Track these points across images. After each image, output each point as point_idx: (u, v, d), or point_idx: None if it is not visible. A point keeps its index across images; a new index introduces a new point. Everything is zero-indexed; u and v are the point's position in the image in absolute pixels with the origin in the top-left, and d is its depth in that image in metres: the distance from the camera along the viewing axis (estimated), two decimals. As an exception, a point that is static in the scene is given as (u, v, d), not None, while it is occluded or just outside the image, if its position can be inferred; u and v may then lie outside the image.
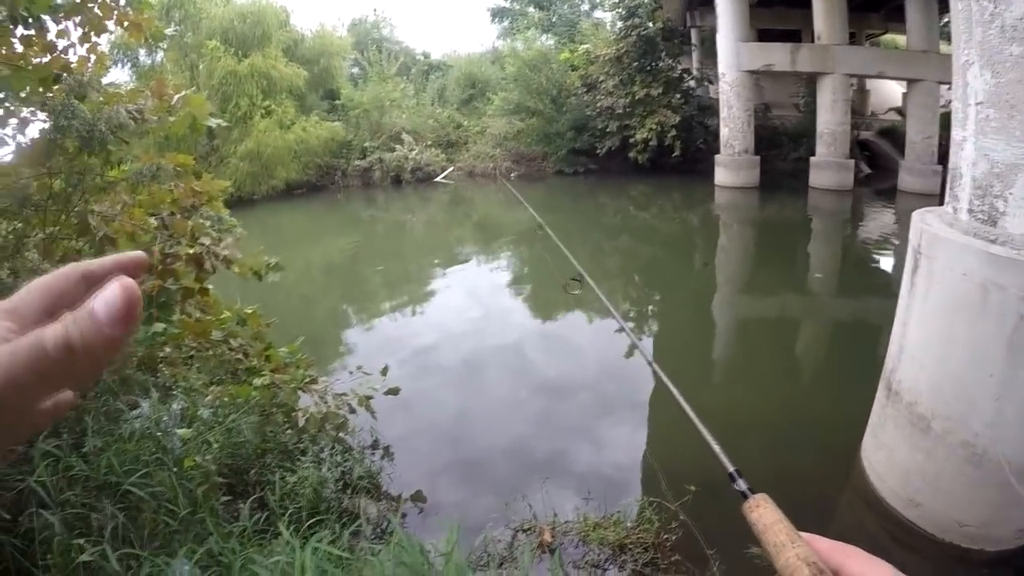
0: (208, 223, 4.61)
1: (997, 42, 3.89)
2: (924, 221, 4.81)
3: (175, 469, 3.64)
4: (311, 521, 3.93)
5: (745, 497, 0.79)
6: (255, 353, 5.06)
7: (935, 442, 4.57)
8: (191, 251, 4.30)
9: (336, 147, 22.53)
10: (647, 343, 9.68)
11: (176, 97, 4.10)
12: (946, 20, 22.89)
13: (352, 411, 5.30)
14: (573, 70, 25.51)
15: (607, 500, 5.10)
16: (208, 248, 4.38)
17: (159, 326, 4.20)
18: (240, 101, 19.67)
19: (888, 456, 5.19)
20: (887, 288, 12.03)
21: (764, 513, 0.74)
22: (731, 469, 0.94)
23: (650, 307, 11.57)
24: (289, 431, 4.93)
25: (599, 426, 6.78)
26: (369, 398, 5.45)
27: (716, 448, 1.03)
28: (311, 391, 5.29)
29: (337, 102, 24.12)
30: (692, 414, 1.15)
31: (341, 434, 5.19)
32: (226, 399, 4.61)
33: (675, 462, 5.83)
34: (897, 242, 15.48)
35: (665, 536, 4.61)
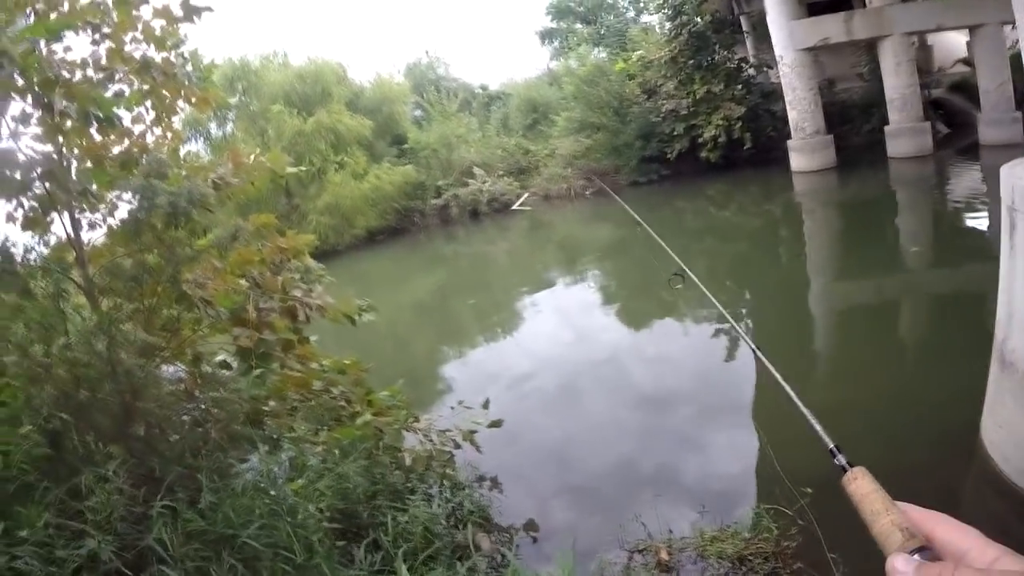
0: (297, 276, 4.78)
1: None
2: (1015, 174, 4.55)
3: (289, 519, 3.71)
4: (424, 557, 3.98)
5: (844, 471, 0.82)
6: (357, 399, 5.19)
7: (1055, 412, 4.30)
8: (284, 304, 4.47)
9: (411, 189, 23.09)
10: (744, 345, 9.43)
11: (252, 157, 4.32)
12: (1002, -41, 21.75)
13: (457, 447, 5.36)
14: (630, 79, 25.40)
15: (722, 511, 5.01)
16: (300, 299, 4.55)
17: (258, 371, 4.35)
18: (312, 158, 20.46)
19: (1010, 433, 4.89)
20: (986, 252, 11.44)
21: (861, 484, 0.77)
22: (831, 445, 0.97)
23: (743, 306, 11.31)
24: (397, 472, 4.99)
25: (705, 435, 6.67)
26: (473, 432, 5.50)
27: (815, 424, 1.06)
28: (415, 430, 5.38)
29: (405, 146, 24.76)
30: (792, 393, 1.17)
31: (448, 470, 5.23)
32: (332, 445, 4.71)
33: (788, 464, 5.66)
34: (988, 201, 14.76)
35: (785, 544, 4.46)
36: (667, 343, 9.62)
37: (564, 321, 11.18)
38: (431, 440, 5.32)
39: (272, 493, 3.88)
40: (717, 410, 7.24)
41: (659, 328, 10.27)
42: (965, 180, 18.24)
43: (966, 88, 22.81)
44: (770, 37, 21.17)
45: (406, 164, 23.60)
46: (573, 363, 9.05)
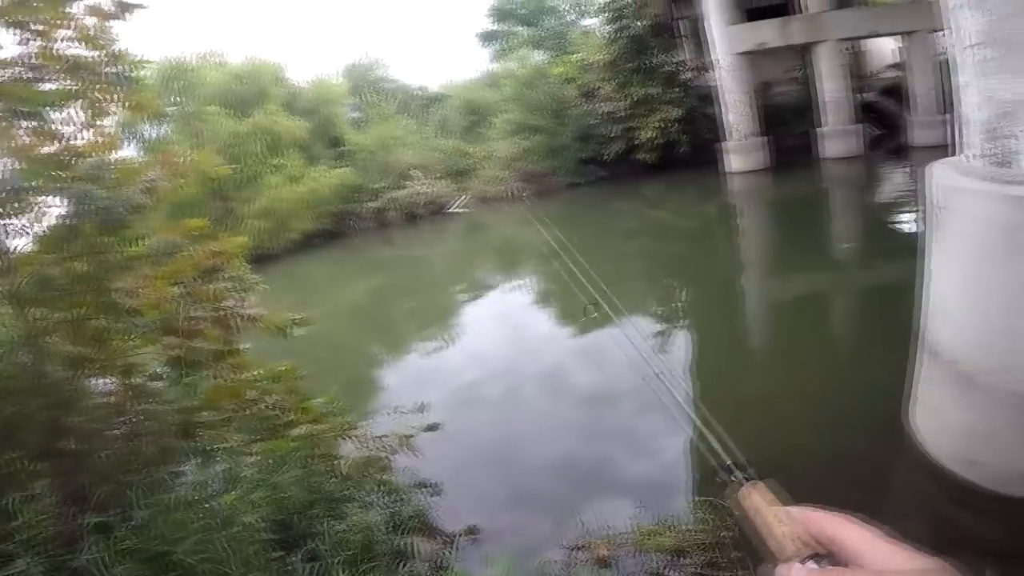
0: (230, 285, 4.66)
1: (984, -21, 3.86)
2: (938, 173, 4.75)
3: (224, 532, 3.61)
4: (365, 566, 3.93)
5: (740, 487, 0.83)
6: (291, 407, 5.08)
7: (983, 397, 4.47)
8: (216, 313, 4.35)
9: (347, 192, 22.69)
10: (682, 337, 9.65)
11: (183, 159, 4.20)
12: (932, -31, 22.65)
13: (394, 452, 5.29)
14: (569, 82, 25.57)
15: (660, 506, 5.08)
16: (231, 309, 4.43)
17: (188, 379, 4.24)
18: (248, 160, 19.93)
19: (937, 419, 5.10)
20: (914, 248, 11.84)
21: (756, 499, 0.77)
22: (727, 462, 0.97)
23: (680, 303, 11.51)
24: (333, 480, 4.92)
25: (642, 432, 6.72)
26: (409, 437, 5.43)
27: (713, 441, 1.09)
28: (351, 437, 5.29)
29: (343, 148, 24.35)
30: (690, 412, 1.20)
31: (385, 476, 5.18)
32: (266, 455, 4.63)
33: (719, 455, 5.79)
34: (917, 199, 15.29)
35: (723, 534, 4.51)
36: (604, 346, 9.60)
37: (503, 324, 11.15)
38: (367, 447, 5.24)
39: (206, 506, 3.80)
40: (654, 407, 7.25)
41: (596, 333, 10.32)
42: (895, 180, 18.94)
43: (897, 92, 23.62)
44: (708, 41, 21.56)
45: (343, 167, 23.20)
46: (512, 365, 9.05)
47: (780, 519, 0.71)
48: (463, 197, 23.89)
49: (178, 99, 20.53)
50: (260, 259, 17.30)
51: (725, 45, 20.61)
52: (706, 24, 21.19)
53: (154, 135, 20.45)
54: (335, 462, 4.97)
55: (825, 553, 0.67)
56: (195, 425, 4.40)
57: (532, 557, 4.49)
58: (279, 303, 4.94)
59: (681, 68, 24.51)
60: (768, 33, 20.60)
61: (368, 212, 22.64)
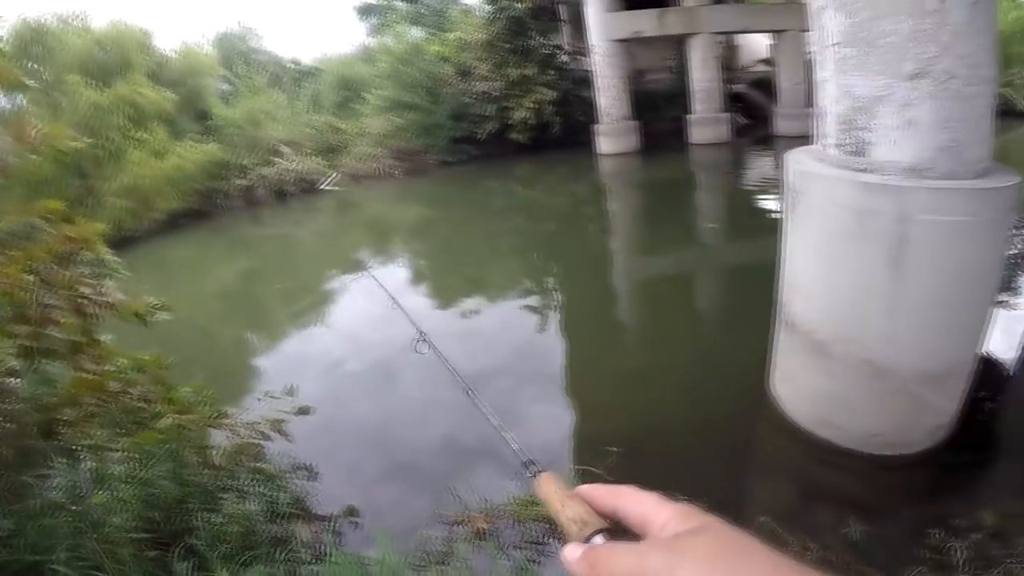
0: (88, 269, 4.38)
1: (848, -16, 4.14)
2: (797, 160, 5.10)
3: (95, 534, 3.45)
4: (244, 557, 3.84)
5: (535, 478, 0.86)
6: (157, 398, 4.84)
7: (837, 364, 4.87)
8: (72, 300, 4.08)
9: (214, 169, 21.29)
10: (552, 315, 9.80)
11: (35, 132, 3.90)
12: (808, -26, 24.00)
13: (266, 438, 5.13)
14: (446, 60, 25.38)
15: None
16: (88, 296, 4.16)
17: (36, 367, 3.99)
18: (109, 134, 18.41)
19: (796, 386, 5.52)
20: (774, 228, 12.57)
21: (545, 488, 0.80)
22: (524, 458, 1.01)
23: (552, 281, 11.66)
24: (206, 471, 4.71)
25: (518, 406, 6.83)
26: (280, 422, 5.26)
27: (509, 440, 1.13)
28: (221, 426, 5.09)
29: (210, 122, 22.86)
30: (486, 410, 1.26)
31: (259, 464, 4.98)
32: (134, 450, 4.36)
33: (595, 427, 6.05)
34: (778, 184, 16.19)
35: None
36: (478, 319, 9.74)
37: (375, 303, 10.91)
38: (238, 434, 5.06)
39: (75, 509, 3.62)
40: (529, 381, 7.44)
41: (470, 305, 10.38)
42: (759, 166, 20.09)
43: (765, 85, 25.12)
44: (586, 27, 21.95)
45: (211, 142, 21.73)
46: (387, 344, 8.80)
47: (565, 504, 0.73)
48: (334, 174, 23.19)
49: (36, 67, 18.85)
50: (123, 241, 16.20)
51: (602, 31, 21.08)
52: (585, 10, 21.59)
53: (8, 106, 18.75)
54: (207, 452, 4.75)
55: (611, 527, 0.69)
56: (57, 423, 4.12)
57: (412, 534, 4.50)
58: (142, 288, 4.65)
59: (558, 51, 24.85)
60: (645, 22, 21.22)
61: (236, 190, 21.43)
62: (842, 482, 4.98)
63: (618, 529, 0.70)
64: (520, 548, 4.50)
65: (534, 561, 4.40)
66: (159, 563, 3.85)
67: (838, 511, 4.47)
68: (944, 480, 4.88)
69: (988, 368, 5.93)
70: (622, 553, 0.62)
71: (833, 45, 4.43)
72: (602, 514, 0.70)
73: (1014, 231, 5.83)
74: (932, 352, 4.54)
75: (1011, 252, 8.39)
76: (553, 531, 4.57)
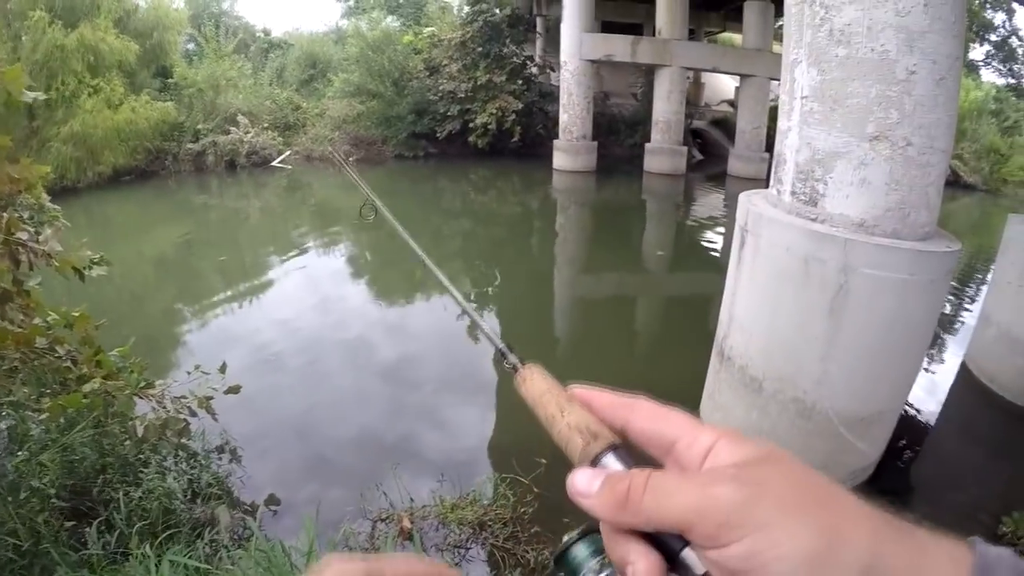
0: (27, 214, 4.23)
1: (825, 44, 4.36)
2: (750, 201, 5.30)
3: (10, 498, 3.37)
4: (163, 536, 3.75)
5: (516, 371, 0.69)
6: (84, 359, 4.69)
7: (768, 400, 5.07)
8: (7, 246, 3.90)
9: (167, 129, 20.68)
10: (487, 322, 9.75)
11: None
12: (779, 23, 24.99)
13: (193, 414, 5.01)
14: (416, 53, 25.31)
15: (462, 481, 5.20)
16: (25, 242, 3.99)
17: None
18: (67, 79, 17.56)
19: (724, 416, 5.69)
20: (716, 264, 13.01)
21: (533, 385, 0.65)
22: (500, 345, 0.78)
23: (491, 288, 11.67)
24: (128, 442, 4.58)
25: (446, 409, 6.86)
26: (209, 399, 5.11)
27: (483, 326, 0.90)
28: (147, 396, 4.94)
29: (170, 80, 22.12)
30: (447, 282, 0.91)
31: (183, 440, 4.88)
32: (57, 412, 4.22)
33: (523, 437, 6.05)
34: (726, 222, 16.72)
35: (523, 509, 4.75)
36: (415, 318, 9.72)
37: (312, 288, 10.76)
38: (165, 408, 4.93)
39: None
40: (458, 385, 7.46)
41: (407, 303, 10.33)
42: (709, 201, 20.64)
43: (726, 125, 26.03)
44: (560, 42, 22.16)
45: (167, 101, 21.04)
46: (319, 332, 8.84)
47: (564, 409, 0.59)
48: (288, 152, 22.85)
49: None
50: (63, 191, 15.62)
51: (576, 49, 21.31)
52: (562, 26, 21.82)
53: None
54: (130, 423, 4.48)
55: (621, 443, 0.55)
56: (-26, 374, 3.95)
57: (334, 527, 4.43)
58: (78, 242, 4.50)
59: (529, 62, 25.06)
60: (618, 47, 21.58)
61: (187, 154, 20.82)
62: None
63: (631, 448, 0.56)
64: (444, 550, 4.50)
65: (457, 564, 4.40)
66: (75, 535, 3.78)
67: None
68: (858, 522, 5.11)
69: (911, 420, 6.29)
70: (672, 484, 0.46)
71: (801, 98, 4.65)
72: (608, 425, 0.56)
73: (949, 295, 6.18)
74: (860, 398, 4.78)
75: (944, 313, 8.87)
76: (477, 538, 4.59)
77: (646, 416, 0.55)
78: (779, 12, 22.80)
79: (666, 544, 0.47)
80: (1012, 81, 30.35)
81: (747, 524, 0.41)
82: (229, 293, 10.58)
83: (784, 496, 0.42)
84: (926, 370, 7.64)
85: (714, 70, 22.99)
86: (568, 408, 0.59)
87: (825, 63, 4.39)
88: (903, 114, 4.15)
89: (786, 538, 0.40)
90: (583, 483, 0.52)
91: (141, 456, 4.64)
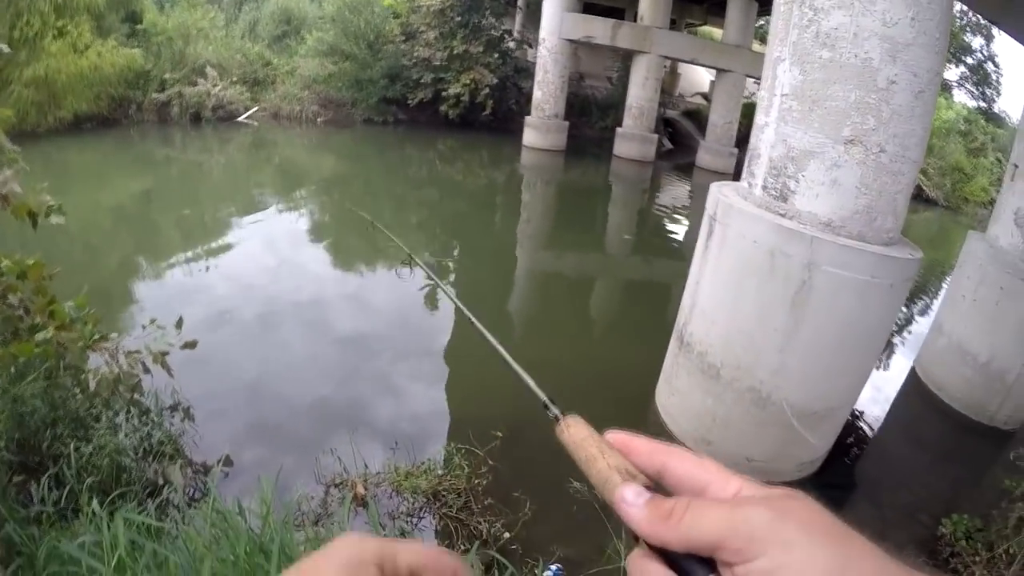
0: None
1: (810, 45, 4.45)
2: (721, 192, 5.41)
3: None
4: (114, 495, 3.66)
5: (557, 421, 0.75)
6: (36, 309, 4.56)
7: (724, 388, 5.22)
8: None
9: (133, 78, 19.89)
10: (447, 291, 9.78)
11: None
12: (761, 22, 25.26)
13: (147, 370, 4.91)
14: (395, 17, 24.94)
15: (416, 450, 5.22)
16: None
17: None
18: (32, 19, 16.90)
19: (681, 400, 5.85)
20: (677, 252, 13.21)
21: (575, 432, 0.71)
22: (543, 398, 0.86)
23: (451, 260, 11.72)
24: (79, 396, 4.49)
25: (401, 378, 6.85)
26: (165, 354, 5.03)
27: (528, 379, 0.94)
28: (101, 350, 4.81)
29: (139, 26, 21.15)
30: (505, 353, 1.11)
31: (136, 396, 4.81)
32: (7, 362, 4.10)
33: (480, 410, 6.15)
34: (689, 212, 16.90)
35: (476, 481, 4.81)
36: (373, 286, 9.70)
37: (271, 250, 10.61)
38: (118, 362, 4.80)
39: None
40: (415, 355, 7.46)
41: (367, 270, 10.25)
42: (674, 191, 20.88)
43: (698, 117, 26.35)
44: (540, 19, 22.07)
45: (135, 47, 20.00)
46: (275, 295, 8.73)
47: (604, 451, 0.64)
48: (255, 108, 22.40)
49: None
50: (21, 135, 15.06)
51: (555, 27, 21.23)
52: (544, 3, 21.74)
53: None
54: (83, 376, 4.44)
55: (653, 486, 0.58)
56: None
57: (289, 492, 4.34)
58: (38, 186, 4.35)
59: (507, 36, 24.90)
60: (599, 29, 21.51)
61: (152, 103, 20.25)
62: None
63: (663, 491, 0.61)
64: (397, 518, 4.53)
65: (408, 533, 4.43)
66: (23, 490, 3.73)
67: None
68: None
69: (858, 419, 6.51)
70: (710, 506, 0.52)
71: (781, 95, 4.74)
72: (643, 472, 0.60)
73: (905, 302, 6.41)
74: (815, 392, 4.95)
75: (896, 319, 9.14)
76: (431, 507, 4.64)
77: (682, 461, 0.59)
78: (761, 11, 23.04)
79: (691, 573, 0.52)
80: (983, 105, 31.44)
81: (773, 540, 0.46)
82: (187, 250, 10.34)
83: (805, 521, 0.48)
84: (876, 372, 7.89)
85: (692, 61, 23.09)
86: (608, 451, 0.63)
87: (808, 64, 4.48)
88: (880, 121, 4.27)
89: (806, 557, 0.45)
90: (631, 495, 0.56)
91: (93, 411, 4.55)
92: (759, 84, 5.05)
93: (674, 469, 0.58)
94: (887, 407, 7.44)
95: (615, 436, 0.65)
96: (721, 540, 0.48)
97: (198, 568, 2.43)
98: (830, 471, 5.62)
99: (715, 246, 5.33)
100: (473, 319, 1.38)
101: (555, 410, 0.78)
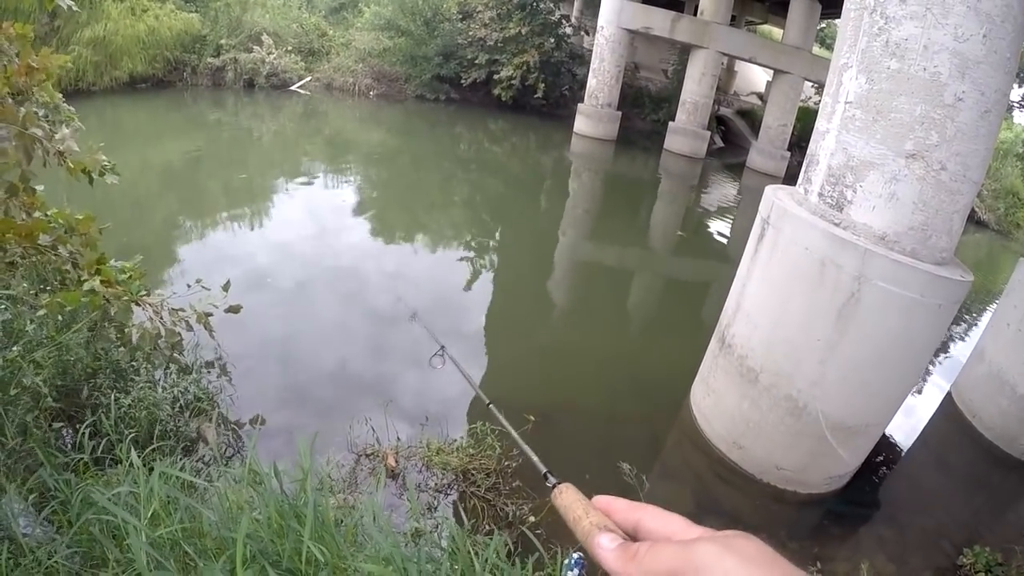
0: (42, 111, 4.15)
1: (879, 54, 4.36)
2: (776, 195, 5.34)
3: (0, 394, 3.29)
4: (150, 449, 3.67)
5: (553, 488, 0.90)
6: (85, 264, 4.43)
7: (761, 393, 5.18)
8: (21, 139, 3.80)
9: (189, 41, 20.28)
10: (485, 274, 9.84)
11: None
12: (823, 25, 24.66)
13: (189, 329, 4.78)
14: (454, -4, 25.00)
15: (448, 427, 5.27)
16: (39, 139, 3.90)
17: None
18: None
19: (716, 402, 5.81)
20: (722, 252, 13.04)
21: (566, 497, 0.84)
22: (543, 470, 1.09)
23: (494, 242, 11.74)
24: (121, 349, 4.53)
25: (435, 355, 6.84)
26: (209, 315, 5.08)
27: (531, 455, 1.22)
28: (145, 305, 4.87)
29: None
30: (511, 429, 1.39)
31: (176, 353, 4.70)
32: (54, 310, 4.09)
33: (514, 392, 6.16)
34: (737, 213, 16.70)
35: (507, 463, 4.84)
36: (411, 261, 9.73)
37: (314, 219, 10.77)
38: (161, 319, 4.85)
39: None
40: (451, 334, 7.38)
41: (407, 245, 10.33)
42: (723, 190, 20.63)
43: (751, 117, 25.91)
44: (598, 5, 21.81)
45: (192, 12, 20.58)
46: (315, 263, 8.82)
47: (588, 512, 0.75)
48: (309, 78, 22.57)
49: None
50: (78, 93, 15.37)
51: (614, 16, 20.96)
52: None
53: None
54: (127, 329, 4.40)
55: (628, 538, 0.69)
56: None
57: (319, 457, 4.41)
58: (95, 144, 4.40)
59: (564, 22, 24.70)
60: (658, 20, 21.19)
61: (206, 68, 20.54)
62: (736, 503, 5.33)
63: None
64: (425, 492, 4.58)
65: (436, 508, 4.48)
66: (62, 436, 3.80)
67: (725, 528, 4.76)
68: (828, 525, 5.29)
69: (889, 439, 6.44)
70: (666, 545, 0.62)
71: (845, 102, 4.65)
72: (622, 528, 0.71)
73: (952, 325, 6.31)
74: (851, 406, 4.89)
75: (944, 340, 8.99)
76: (459, 485, 4.68)
77: (654, 516, 0.70)
78: (825, 14, 22.57)
79: None
80: (1044, 129, 30.19)
81: (716, 569, 0.55)
82: (230, 212, 10.51)
83: (745, 555, 0.57)
84: (913, 392, 7.75)
85: (750, 60, 22.59)
86: (591, 512, 0.76)
87: (875, 73, 4.39)
88: (943, 138, 4.18)
89: None
90: (606, 541, 0.68)
91: (134, 364, 4.63)
92: (816, 88, 4.97)
93: (647, 523, 0.69)
94: (919, 429, 7.31)
95: (600, 499, 0.78)
96: (675, 571, 0.58)
97: (233, 526, 2.47)
98: (856, 488, 5.57)
99: (765, 250, 5.27)
100: (488, 400, 1.44)
101: (553, 479, 0.94)
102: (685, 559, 0.58)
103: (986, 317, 10.29)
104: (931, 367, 9.05)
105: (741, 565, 0.55)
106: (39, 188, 4.25)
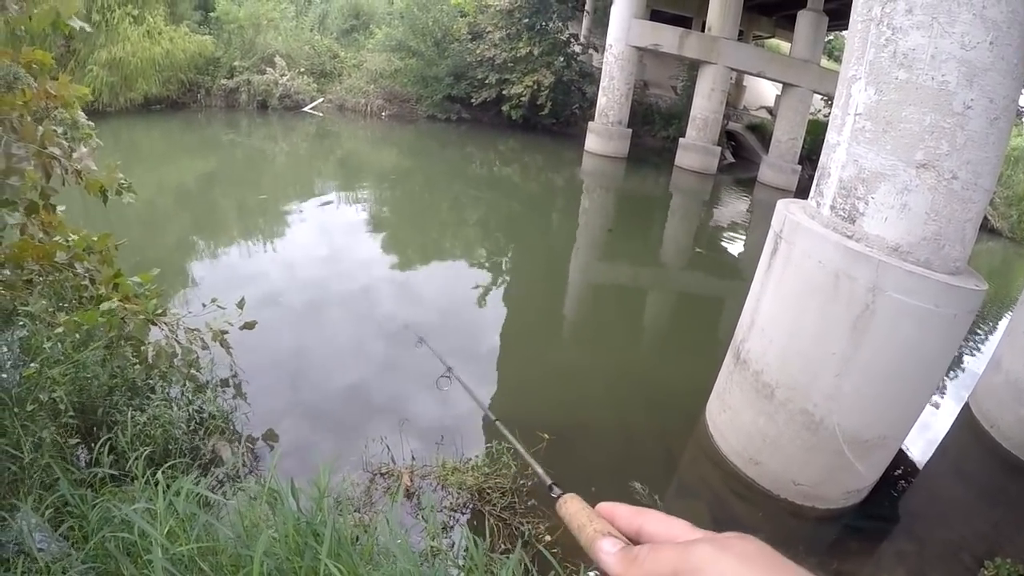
0: (61, 129, 4.17)
1: (887, 65, 4.36)
2: (788, 209, 5.32)
3: (16, 410, 3.34)
4: (166, 466, 3.59)
5: (558, 499, 0.90)
6: (103, 280, 4.60)
7: (777, 408, 5.14)
8: (40, 157, 3.81)
9: (203, 63, 20.74)
10: (497, 293, 9.80)
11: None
12: (830, 38, 24.63)
13: (205, 347, 4.90)
14: (462, 16, 25.19)
15: (463, 446, 5.25)
16: (58, 157, 3.92)
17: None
18: (111, 2, 17.62)
19: (732, 418, 5.76)
20: (735, 268, 13.00)
21: (571, 506, 0.84)
22: (549, 482, 1.12)
23: (506, 261, 11.73)
24: (137, 366, 4.55)
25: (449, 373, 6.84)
26: (224, 333, 5.04)
27: (537, 467, 1.24)
28: (161, 324, 4.78)
29: (211, 14, 21.98)
30: (516, 443, 1.41)
31: (192, 371, 4.84)
32: (71, 329, 4.20)
33: (528, 411, 6.14)
34: (749, 228, 16.65)
35: (522, 482, 4.81)
36: (423, 282, 9.73)
37: (327, 239, 10.84)
38: (177, 337, 4.78)
39: (1, 376, 3.49)
40: (463, 353, 7.41)
41: (420, 266, 10.36)
42: (734, 206, 20.57)
43: (761, 132, 25.90)
44: (607, 24, 21.98)
45: (206, 35, 20.99)
46: (327, 283, 8.87)
47: (592, 520, 0.76)
48: (321, 100, 22.87)
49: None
50: (92, 114, 15.55)
51: (623, 34, 21.12)
52: (612, 8, 21.60)
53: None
54: (143, 347, 4.52)
55: (630, 543, 0.70)
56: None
57: (334, 476, 4.27)
58: (112, 163, 4.45)
59: (573, 40, 24.85)
60: (667, 38, 21.29)
61: (220, 89, 20.98)
62: (753, 519, 5.25)
63: None
64: (440, 512, 4.56)
65: (452, 527, 4.48)
66: (77, 452, 3.81)
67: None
68: (846, 540, 5.22)
69: (906, 451, 6.37)
70: (665, 547, 0.63)
71: (855, 114, 4.65)
72: (625, 534, 0.72)
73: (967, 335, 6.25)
74: (868, 420, 4.84)
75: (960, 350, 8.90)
76: (475, 504, 4.67)
77: (656, 521, 0.70)
78: (832, 26, 22.59)
79: None
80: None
81: (713, 569, 0.55)
82: (244, 233, 10.61)
83: (743, 554, 0.57)
84: (930, 403, 7.67)
85: (759, 74, 22.64)
86: (595, 520, 0.76)
87: (884, 84, 4.39)
88: (953, 147, 4.17)
89: None
90: (608, 545, 0.69)
91: (149, 382, 4.66)
92: (826, 100, 4.98)
93: (649, 527, 0.70)
94: (937, 440, 7.21)
95: (604, 506, 0.78)
96: (674, 573, 0.58)
97: (251, 542, 2.48)
98: (875, 502, 5.49)
99: (779, 264, 5.25)
100: (494, 417, 1.47)
101: (558, 490, 0.95)
102: (683, 560, 0.58)
103: (1002, 326, 10.17)
104: (948, 377, 8.96)
105: (739, 565, 0.55)
106: (61, 208, 4.31)
